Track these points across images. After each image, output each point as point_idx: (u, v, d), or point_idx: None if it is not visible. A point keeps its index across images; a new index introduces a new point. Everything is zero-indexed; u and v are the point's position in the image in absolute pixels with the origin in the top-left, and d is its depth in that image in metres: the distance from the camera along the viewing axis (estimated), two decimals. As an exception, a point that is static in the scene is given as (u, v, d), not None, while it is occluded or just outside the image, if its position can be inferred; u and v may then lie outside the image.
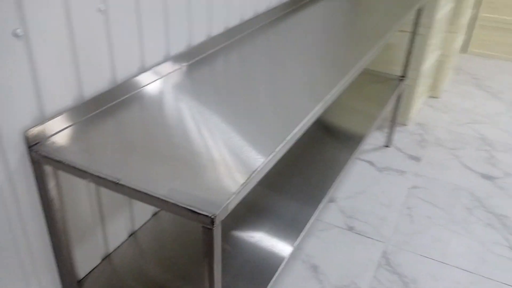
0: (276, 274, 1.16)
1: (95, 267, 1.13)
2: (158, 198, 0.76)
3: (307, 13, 1.78)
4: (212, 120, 0.99)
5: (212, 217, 0.73)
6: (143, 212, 1.28)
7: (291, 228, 1.32)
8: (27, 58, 0.83)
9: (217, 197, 0.76)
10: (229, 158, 0.86)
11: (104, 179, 0.78)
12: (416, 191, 2.08)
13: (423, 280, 1.62)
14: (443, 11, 2.45)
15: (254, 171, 0.83)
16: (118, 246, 1.20)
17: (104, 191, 1.11)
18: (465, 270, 1.67)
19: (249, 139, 0.93)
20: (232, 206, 0.78)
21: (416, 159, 2.31)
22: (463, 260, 1.71)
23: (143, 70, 1.14)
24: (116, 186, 0.78)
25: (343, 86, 1.23)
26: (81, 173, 0.79)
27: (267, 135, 0.94)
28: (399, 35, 2.46)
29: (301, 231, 1.31)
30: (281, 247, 1.24)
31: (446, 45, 2.76)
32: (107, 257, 1.16)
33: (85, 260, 1.11)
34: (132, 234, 1.24)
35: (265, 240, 1.27)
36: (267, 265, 1.19)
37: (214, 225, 0.74)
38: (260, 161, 0.86)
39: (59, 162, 0.81)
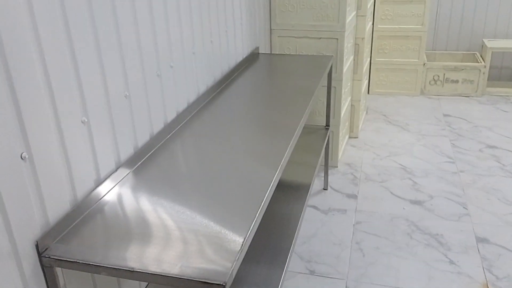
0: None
1: None
2: (174, 277, 0.85)
3: (234, 89, 1.96)
4: (181, 212, 1.10)
5: (224, 284, 0.84)
6: (127, 295, 1.32)
7: (269, 280, 1.43)
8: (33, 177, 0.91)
9: (221, 267, 0.86)
10: (217, 229, 0.98)
11: (119, 269, 0.86)
12: (360, 226, 2.28)
13: (386, 306, 1.79)
14: (347, 64, 2.79)
15: (242, 243, 0.95)
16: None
17: (99, 283, 1.15)
18: (418, 289, 1.87)
19: (222, 222, 1.04)
20: (235, 272, 0.89)
21: (353, 196, 2.54)
22: (414, 281, 1.91)
23: (99, 182, 1.15)
24: (132, 274, 0.85)
25: (292, 146, 1.40)
26: (96, 268, 0.86)
27: (237, 213, 1.06)
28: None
29: (279, 283, 1.42)
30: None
31: (354, 91, 3.10)
32: None
33: None
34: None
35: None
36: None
37: (227, 290, 0.84)
38: (240, 241, 0.98)
39: (72, 262, 0.87)
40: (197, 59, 1.71)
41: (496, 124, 3.35)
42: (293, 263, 2.05)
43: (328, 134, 2.44)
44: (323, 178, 2.67)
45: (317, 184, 2.67)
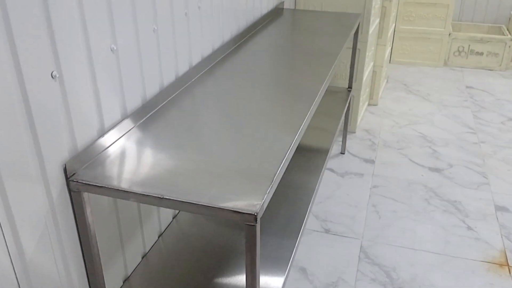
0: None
1: (118, 290, 1.16)
2: (204, 206, 0.83)
3: (256, 43, 1.92)
4: (209, 152, 1.08)
5: (255, 214, 0.82)
6: (152, 234, 1.32)
7: (285, 238, 1.42)
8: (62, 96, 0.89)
9: (252, 199, 0.85)
10: (245, 170, 0.96)
11: (148, 196, 0.85)
12: (377, 190, 2.26)
13: (401, 267, 1.78)
14: (373, 27, 2.72)
15: (275, 174, 0.93)
16: (134, 269, 1.23)
17: (121, 215, 1.15)
18: (434, 253, 1.86)
19: (247, 170, 1.02)
20: (265, 205, 0.87)
21: (371, 161, 2.51)
22: (430, 244, 1.90)
23: (125, 115, 1.10)
24: (161, 200, 0.84)
25: (313, 111, 1.36)
26: (125, 194, 0.85)
27: (255, 172, 1.03)
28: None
29: (295, 240, 1.41)
30: (279, 263, 1.33)
31: (377, 57, 3.03)
32: (127, 279, 1.19)
33: (110, 283, 1.13)
34: (144, 256, 1.28)
35: (263, 257, 1.35)
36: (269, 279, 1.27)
37: (257, 221, 0.83)
38: (270, 177, 0.96)
39: (101, 187, 0.86)
40: (224, 4, 1.67)
41: (520, 98, 3.27)
42: (309, 221, 2.04)
43: (349, 97, 2.40)
44: (340, 142, 2.64)
45: (334, 148, 2.64)
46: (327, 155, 1.94)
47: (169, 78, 1.33)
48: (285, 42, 1.91)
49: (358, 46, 2.59)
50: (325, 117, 2.22)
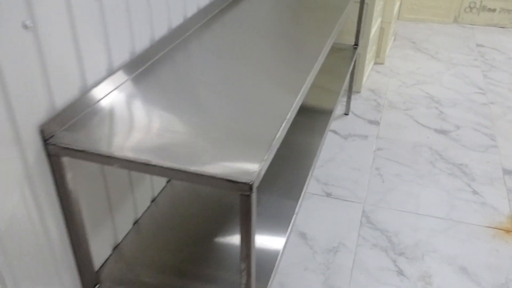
0: (280, 254, 1.19)
1: (108, 257, 1.10)
2: (194, 173, 0.76)
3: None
4: (202, 116, 0.99)
5: (251, 183, 0.75)
6: (144, 199, 1.26)
7: (286, 201, 1.36)
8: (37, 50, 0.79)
9: (248, 167, 0.77)
10: (242, 134, 0.88)
11: (133, 162, 0.77)
12: (381, 153, 2.19)
13: (403, 232, 1.73)
14: (382, -21, 2.56)
15: (273, 139, 0.85)
16: (125, 236, 1.17)
17: (109, 179, 1.08)
18: (438, 217, 1.80)
19: (244, 130, 0.94)
20: (263, 173, 0.80)
21: (375, 123, 2.42)
22: (435, 209, 1.84)
23: (111, 71, 1.01)
24: (147, 167, 0.77)
25: (317, 69, 1.26)
26: (109, 160, 0.78)
27: (255, 132, 0.93)
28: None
29: (296, 204, 1.35)
30: (280, 226, 1.27)
31: (386, 12, 2.88)
32: (117, 247, 1.14)
33: (98, 251, 1.08)
34: (135, 223, 1.22)
35: (262, 221, 1.30)
36: (269, 249, 1.22)
37: (252, 191, 0.76)
38: (267, 141, 0.88)
39: (82, 151, 0.78)
40: (222, -47, 1.54)
41: (532, 58, 3.14)
42: (310, 185, 1.98)
43: (356, 55, 2.28)
44: (344, 103, 2.54)
45: (338, 108, 2.55)
46: (330, 116, 1.86)
47: (161, 31, 1.23)
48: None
49: (366, 0, 2.44)
50: (329, 76, 2.12)
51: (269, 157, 0.82)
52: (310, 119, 1.83)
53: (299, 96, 1.04)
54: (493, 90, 2.73)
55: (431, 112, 2.51)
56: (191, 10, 1.41)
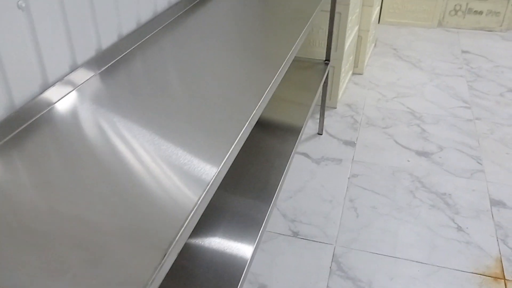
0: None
1: None
2: None
3: (220, 1, 1.57)
4: (144, 134, 0.77)
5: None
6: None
7: (241, 242, 1.14)
8: None
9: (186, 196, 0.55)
10: (175, 177, 0.65)
11: None
12: (356, 180, 1.97)
13: (378, 281, 1.51)
14: (358, -15, 2.34)
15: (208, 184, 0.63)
16: None
17: None
18: (418, 262, 1.59)
19: (193, 149, 0.73)
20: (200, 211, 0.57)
21: (351, 144, 2.20)
22: (414, 250, 1.63)
23: (46, 86, 0.91)
24: None
25: (280, 77, 1.05)
26: None
27: (210, 144, 0.75)
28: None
29: (251, 251, 1.12)
30: (235, 266, 1.05)
31: (363, 20, 2.67)
32: None
33: None
34: None
35: (217, 256, 1.07)
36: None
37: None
38: (211, 173, 0.66)
39: None
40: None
41: (521, 65, 2.94)
42: (275, 221, 1.76)
43: (327, 70, 2.06)
44: (318, 121, 2.32)
45: (311, 127, 2.33)
46: (298, 136, 1.63)
47: (129, 26, 1.14)
48: (255, 1, 1.55)
49: (338, 9, 2.22)
50: (299, 92, 1.89)
51: (211, 188, 0.60)
52: (276, 141, 1.61)
53: (255, 111, 0.83)
54: (478, 103, 2.53)
55: (412, 130, 2.30)
56: (162, 5, 1.24)
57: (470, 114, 2.43)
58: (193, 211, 0.65)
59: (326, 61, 2.10)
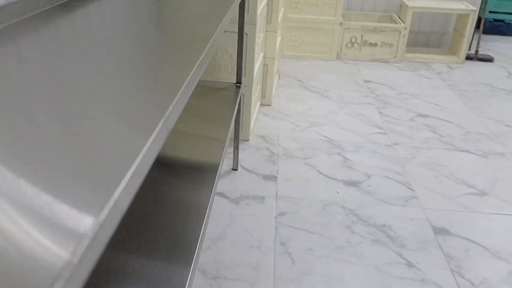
0: None
1: None
2: None
3: (96, 8, 1.21)
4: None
5: None
6: None
7: None
8: None
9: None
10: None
11: None
12: (285, 219, 1.67)
13: None
14: (261, 7, 2.14)
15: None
16: None
17: None
18: (374, 309, 1.30)
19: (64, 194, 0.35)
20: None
21: (272, 178, 1.91)
22: (366, 296, 1.35)
23: None
24: None
25: (179, 107, 0.71)
26: None
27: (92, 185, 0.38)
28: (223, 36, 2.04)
29: None
30: None
31: (268, 47, 2.47)
32: None
33: None
34: None
35: None
36: None
37: None
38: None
39: None
40: None
41: (422, 91, 2.94)
42: (193, 282, 1.37)
43: (240, 94, 1.77)
44: (231, 155, 2.01)
45: (224, 163, 2.00)
46: (215, 177, 1.29)
47: None
48: (142, 14, 1.21)
49: (246, 30, 1.98)
50: (208, 122, 1.56)
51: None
52: (189, 184, 1.24)
53: (150, 142, 0.47)
54: (393, 129, 2.42)
55: (334, 159, 2.09)
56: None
57: (387, 140, 2.30)
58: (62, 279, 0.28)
59: (237, 84, 1.82)
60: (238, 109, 1.82)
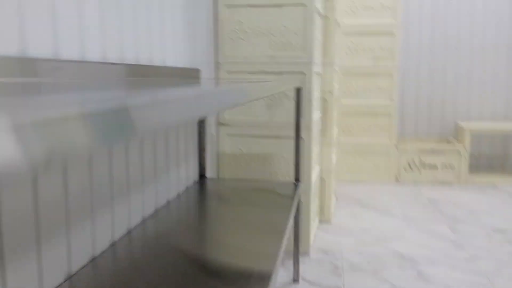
0: None
1: None
2: None
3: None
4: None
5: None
6: None
7: None
8: None
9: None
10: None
11: None
12: (358, 333, 1.40)
13: None
14: (316, 114, 2.13)
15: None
16: None
17: None
18: None
19: None
20: None
21: (338, 290, 1.67)
22: None
23: None
24: None
25: None
26: None
27: None
28: (277, 142, 2.01)
29: None
30: None
31: (324, 159, 2.41)
32: None
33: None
34: None
35: None
36: None
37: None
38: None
39: None
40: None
41: (494, 208, 2.69)
42: None
43: (297, 194, 1.65)
44: (291, 267, 1.81)
45: (282, 275, 1.80)
46: (268, 284, 1.11)
47: None
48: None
49: (302, 134, 1.95)
50: (264, 232, 1.42)
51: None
52: None
53: None
54: (470, 242, 2.15)
55: (408, 274, 1.83)
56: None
57: (466, 254, 2.02)
58: None
59: (295, 182, 1.72)
60: (296, 215, 1.68)
